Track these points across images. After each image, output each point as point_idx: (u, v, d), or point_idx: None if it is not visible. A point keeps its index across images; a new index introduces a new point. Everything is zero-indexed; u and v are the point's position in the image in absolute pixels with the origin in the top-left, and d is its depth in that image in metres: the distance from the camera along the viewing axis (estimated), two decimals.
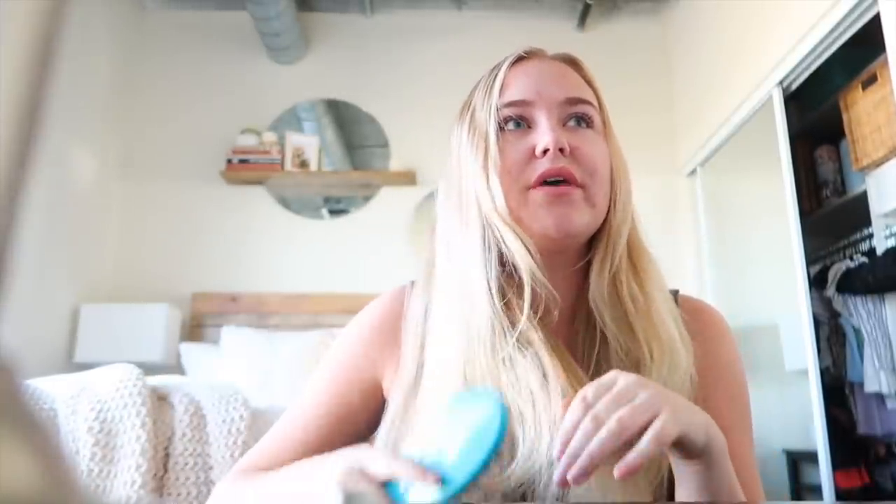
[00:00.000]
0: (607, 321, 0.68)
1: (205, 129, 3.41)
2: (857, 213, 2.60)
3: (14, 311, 2.23)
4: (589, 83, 0.76)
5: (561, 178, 0.67)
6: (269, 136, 3.37)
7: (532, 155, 0.69)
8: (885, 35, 1.94)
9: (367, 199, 3.41)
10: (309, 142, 3.39)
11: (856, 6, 2.08)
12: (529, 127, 0.71)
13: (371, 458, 0.49)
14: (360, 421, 0.73)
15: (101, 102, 3.22)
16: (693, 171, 3.31)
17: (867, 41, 2.17)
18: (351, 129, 3.55)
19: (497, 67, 0.75)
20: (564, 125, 0.71)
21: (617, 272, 0.70)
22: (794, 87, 2.55)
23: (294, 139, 3.39)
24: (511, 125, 0.71)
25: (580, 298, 0.72)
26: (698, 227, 3.26)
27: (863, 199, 2.55)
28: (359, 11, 3.59)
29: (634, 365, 0.66)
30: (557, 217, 0.67)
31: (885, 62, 2.01)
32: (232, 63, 3.52)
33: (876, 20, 2.02)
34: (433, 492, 0.44)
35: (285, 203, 3.40)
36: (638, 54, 3.59)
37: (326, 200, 3.49)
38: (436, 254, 0.74)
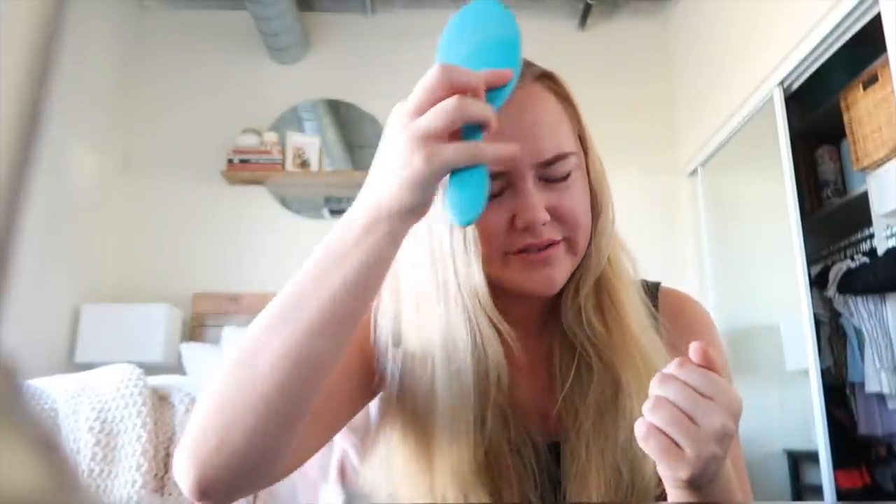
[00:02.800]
0: (584, 344, 0.69)
1: (205, 128, 3.41)
2: (858, 213, 2.60)
3: (14, 311, 2.22)
4: (567, 102, 0.69)
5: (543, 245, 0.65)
6: (270, 136, 3.37)
7: (512, 224, 0.64)
8: (885, 35, 1.94)
9: None
10: (310, 142, 3.39)
11: (856, 6, 2.08)
12: (503, 192, 0.64)
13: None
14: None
15: (102, 102, 3.22)
16: (694, 172, 3.31)
17: (868, 41, 2.17)
18: (352, 128, 3.55)
19: None
20: (541, 179, 0.65)
21: (587, 298, 0.69)
22: (795, 87, 2.55)
23: (295, 139, 3.39)
24: None
25: (554, 319, 0.72)
26: (699, 227, 3.25)
27: (864, 199, 2.55)
28: (359, 11, 3.59)
29: (614, 384, 0.67)
30: (541, 279, 0.65)
31: (886, 62, 2.01)
32: (233, 63, 3.52)
33: (877, 20, 2.02)
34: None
35: (286, 203, 3.41)
36: (639, 54, 3.59)
37: (327, 200, 3.49)
38: (401, 309, 0.70)
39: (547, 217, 0.63)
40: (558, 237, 0.65)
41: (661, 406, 0.52)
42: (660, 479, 0.61)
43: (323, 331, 0.54)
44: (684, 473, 0.51)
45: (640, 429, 0.53)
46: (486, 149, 0.51)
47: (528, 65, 0.66)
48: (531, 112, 0.65)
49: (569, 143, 0.67)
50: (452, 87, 0.52)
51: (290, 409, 0.55)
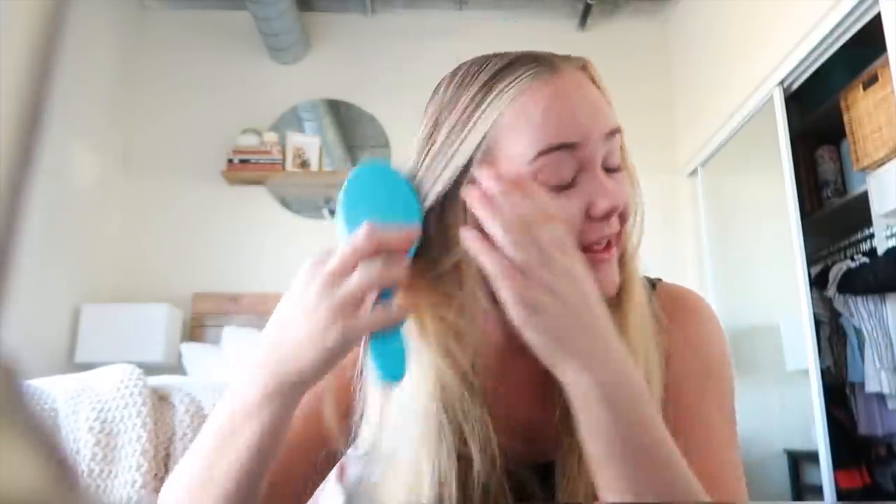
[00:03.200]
0: None
1: (206, 128, 3.42)
2: (858, 213, 2.60)
3: (14, 311, 2.22)
4: (603, 91, 0.64)
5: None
6: (270, 136, 3.37)
7: (584, 218, 0.57)
8: (885, 35, 1.94)
9: None
10: (310, 142, 3.39)
11: (856, 6, 2.08)
12: (571, 182, 0.58)
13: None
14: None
15: (103, 102, 3.22)
16: (694, 172, 3.31)
17: (868, 41, 2.17)
18: (352, 129, 3.55)
19: (503, 82, 0.58)
20: (603, 167, 0.60)
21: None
22: (794, 87, 2.55)
23: (295, 139, 3.39)
24: (544, 175, 0.57)
25: None
26: (699, 228, 3.25)
27: (863, 199, 2.55)
28: (360, 11, 3.59)
29: None
30: (604, 281, 0.58)
31: (886, 62, 2.01)
32: (233, 63, 3.52)
33: (877, 20, 2.01)
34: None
35: (286, 203, 3.41)
36: (639, 54, 3.59)
37: (327, 200, 3.49)
38: None
39: (622, 205, 0.59)
40: (614, 233, 0.60)
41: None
42: None
43: (231, 498, 0.54)
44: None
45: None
46: (401, 311, 0.53)
47: (567, 56, 0.63)
48: (588, 90, 0.61)
49: (618, 122, 0.62)
50: (381, 248, 0.51)
51: None
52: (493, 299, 0.54)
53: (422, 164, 0.60)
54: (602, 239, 0.58)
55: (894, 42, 1.90)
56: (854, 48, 2.27)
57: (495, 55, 0.61)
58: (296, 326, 0.51)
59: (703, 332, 0.68)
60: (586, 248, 0.58)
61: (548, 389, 0.62)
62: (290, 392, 0.52)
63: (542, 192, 0.54)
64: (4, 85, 0.16)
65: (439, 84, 0.64)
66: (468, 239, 0.52)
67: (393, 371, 0.52)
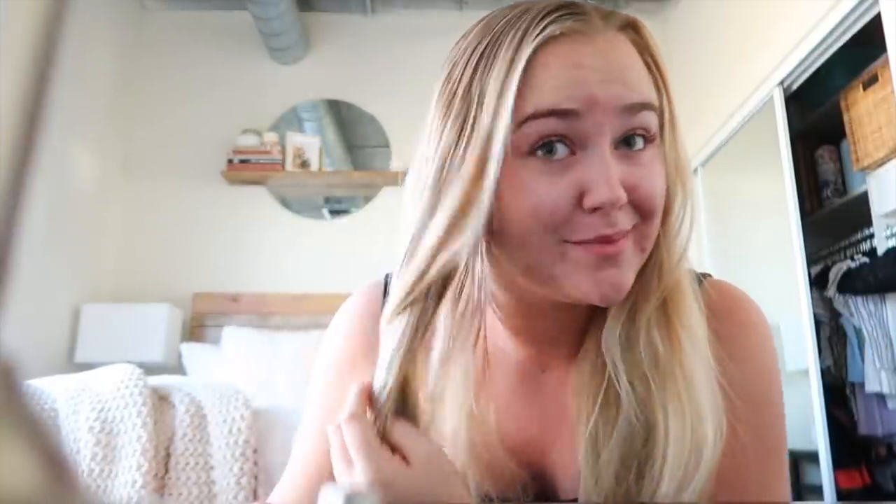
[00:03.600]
0: (620, 372, 0.52)
1: (205, 129, 3.42)
2: (858, 213, 2.60)
3: (14, 311, 2.22)
4: (653, 61, 0.53)
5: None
6: (270, 136, 3.37)
7: (577, 203, 0.48)
8: (885, 35, 1.94)
9: (367, 199, 3.41)
10: (310, 142, 3.40)
11: (856, 6, 2.08)
12: (573, 153, 0.49)
13: None
14: None
15: (102, 102, 3.22)
16: (694, 172, 3.31)
17: (868, 41, 2.17)
18: (352, 129, 3.55)
19: (510, 36, 0.49)
20: (617, 148, 0.50)
21: (649, 317, 0.53)
22: (794, 87, 2.55)
23: (295, 139, 3.39)
24: (541, 150, 0.49)
25: (591, 334, 0.57)
26: (699, 227, 3.25)
27: (864, 199, 2.54)
28: (359, 11, 3.59)
29: (646, 428, 0.51)
30: (604, 282, 0.49)
31: (886, 62, 2.01)
32: (233, 63, 3.52)
33: (877, 20, 2.01)
34: None
35: (286, 203, 3.41)
36: None
37: (327, 200, 3.50)
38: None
39: (625, 198, 0.48)
40: (629, 227, 0.50)
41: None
42: None
43: None
44: None
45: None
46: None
47: (611, 12, 0.52)
48: (616, 54, 0.50)
49: (655, 100, 0.51)
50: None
51: None
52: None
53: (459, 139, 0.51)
54: (601, 238, 0.48)
55: (894, 42, 1.90)
56: (854, 48, 2.27)
57: (518, 5, 0.52)
58: None
59: (752, 350, 0.59)
60: (579, 242, 0.49)
61: (569, 415, 0.57)
62: None
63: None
64: (4, 85, 0.16)
65: (464, 40, 0.57)
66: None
67: None
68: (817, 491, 2.43)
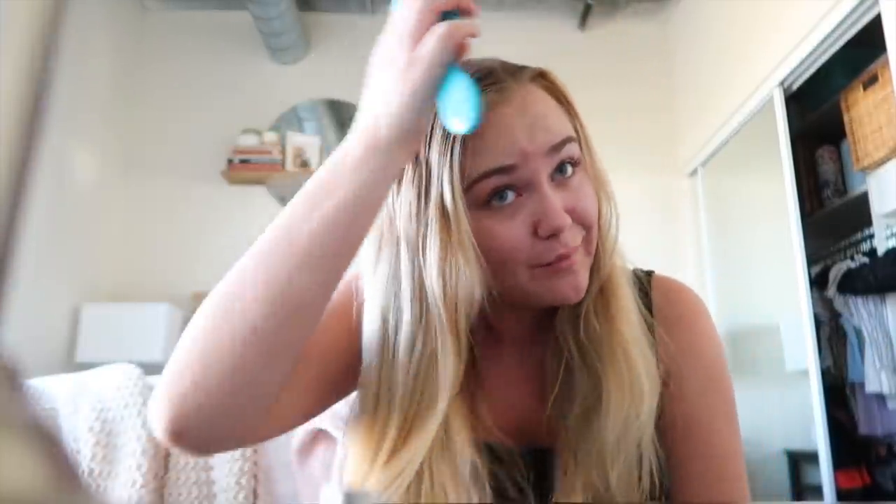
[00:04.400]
0: (572, 349, 0.65)
1: (206, 129, 3.42)
2: (858, 213, 2.60)
3: (14, 311, 2.22)
4: (563, 100, 0.65)
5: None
6: (270, 136, 3.37)
7: (533, 233, 0.60)
8: (885, 35, 1.94)
9: None
10: (310, 142, 3.40)
11: (857, 7, 2.08)
12: (519, 195, 0.60)
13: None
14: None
15: (102, 102, 3.22)
16: (694, 172, 3.31)
17: (868, 41, 2.17)
18: (352, 129, 3.54)
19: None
20: (553, 179, 0.61)
21: (589, 302, 0.66)
22: (795, 87, 2.55)
23: (295, 139, 3.39)
24: (495, 199, 0.60)
25: (547, 326, 0.68)
26: (699, 228, 3.25)
27: (864, 199, 2.54)
28: (360, 11, 3.59)
29: (596, 391, 0.63)
30: (569, 288, 0.61)
31: (886, 62, 2.01)
32: (233, 63, 3.52)
33: (877, 20, 2.02)
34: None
35: (286, 203, 3.38)
36: (639, 54, 3.59)
37: None
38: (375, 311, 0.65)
39: (569, 221, 0.60)
40: (578, 241, 0.62)
41: None
42: (649, 487, 0.62)
43: (311, 263, 0.53)
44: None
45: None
46: (466, 27, 0.54)
47: (520, 68, 0.64)
48: (533, 107, 0.62)
49: (572, 131, 0.64)
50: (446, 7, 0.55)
51: (274, 344, 0.53)
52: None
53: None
54: (557, 256, 0.60)
55: (894, 42, 1.90)
56: (854, 48, 2.28)
57: None
58: (382, 80, 0.55)
59: (703, 338, 0.70)
60: (544, 265, 0.60)
61: (541, 380, 0.68)
62: (385, 148, 0.54)
63: None
64: (4, 85, 0.16)
65: None
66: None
67: (470, 116, 0.52)
68: (817, 491, 2.43)
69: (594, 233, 0.64)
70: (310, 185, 0.56)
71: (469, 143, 0.59)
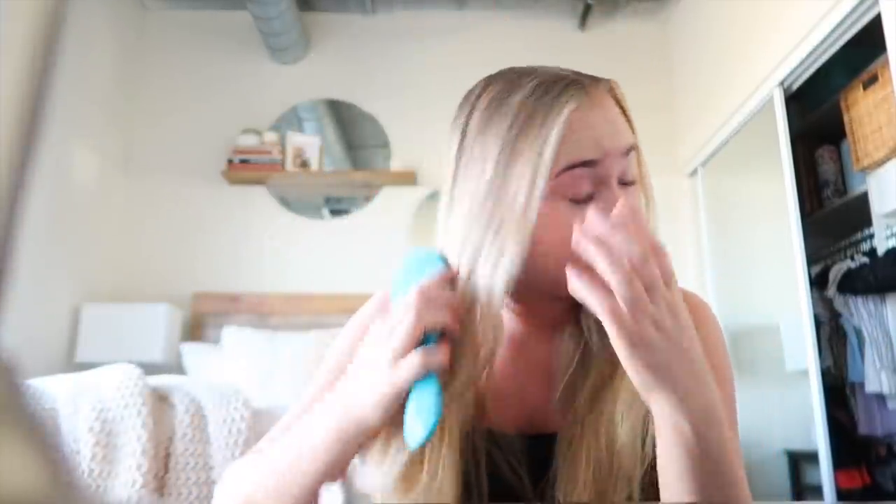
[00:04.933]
0: (591, 329, 0.69)
1: (206, 128, 3.42)
2: (858, 213, 2.60)
3: (14, 311, 2.23)
4: (627, 110, 0.70)
5: None
6: (270, 136, 3.37)
7: None
8: (885, 35, 1.94)
9: (367, 199, 3.41)
10: (310, 142, 3.40)
11: (857, 6, 2.08)
12: (590, 195, 0.64)
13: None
14: None
15: (102, 102, 3.22)
16: (694, 172, 3.31)
17: (868, 41, 2.17)
18: (352, 129, 3.55)
19: (544, 106, 0.64)
20: (620, 183, 0.66)
21: None
22: (795, 87, 2.55)
23: (295, 139, 3.39)
24: (574, 192, 0.64)
25: (569, 311, 0.71)
26: (699, 228, 3.25)
27: (864, 199, 2.55)
28: (360, 11, 3.59)
29: (612, 365, 0.66)
30: None
31: (886, 62, 2.01)
32: (233, 63, 3.52)
33: (877, 20, 2.02)
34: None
35: (286, 203, 3.41)
36: (639, 54, 3.59)
37: (327, 200, 3.50)
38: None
39: None
40: None
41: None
42: (646, 466, 0.63)
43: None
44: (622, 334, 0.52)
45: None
46: (441, 352, 0.58)
47: (596, 77, 0.68)
48: (611, 111, 0.67)
49: (635, 140, 0.69)
50: (425, 295, 0.59)
51: None
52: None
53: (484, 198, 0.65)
54: None
55: (894, 42, 1.90)
56: (854, 48, 2.27)
57: (527, 76, 0.67)
58: (360, 376, 0.60)
59: (715, 338, 0.73)
60: None
61: (553, 371, 0.71)
62: (352, 437, 0.59)
63: (645, 223, 0.57)
64: (4, 85, 0.16)
65: (465, 108, 0.69)
66: (574, 278, 0.55)
67: (425, 422, 0.56)
68: (817, 491, 2.43)
69: None
70: (279, 457, 0.63)
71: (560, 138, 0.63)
